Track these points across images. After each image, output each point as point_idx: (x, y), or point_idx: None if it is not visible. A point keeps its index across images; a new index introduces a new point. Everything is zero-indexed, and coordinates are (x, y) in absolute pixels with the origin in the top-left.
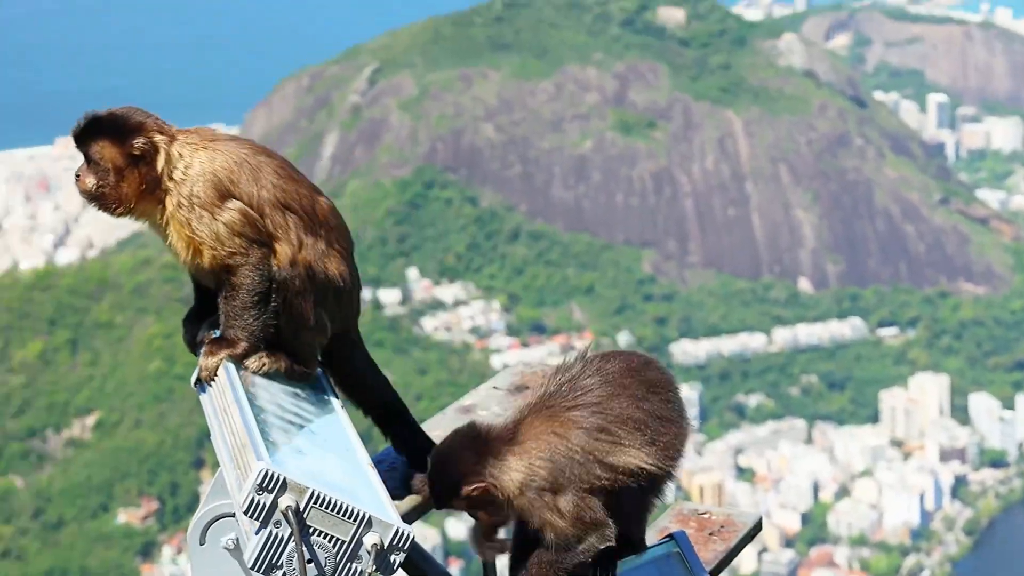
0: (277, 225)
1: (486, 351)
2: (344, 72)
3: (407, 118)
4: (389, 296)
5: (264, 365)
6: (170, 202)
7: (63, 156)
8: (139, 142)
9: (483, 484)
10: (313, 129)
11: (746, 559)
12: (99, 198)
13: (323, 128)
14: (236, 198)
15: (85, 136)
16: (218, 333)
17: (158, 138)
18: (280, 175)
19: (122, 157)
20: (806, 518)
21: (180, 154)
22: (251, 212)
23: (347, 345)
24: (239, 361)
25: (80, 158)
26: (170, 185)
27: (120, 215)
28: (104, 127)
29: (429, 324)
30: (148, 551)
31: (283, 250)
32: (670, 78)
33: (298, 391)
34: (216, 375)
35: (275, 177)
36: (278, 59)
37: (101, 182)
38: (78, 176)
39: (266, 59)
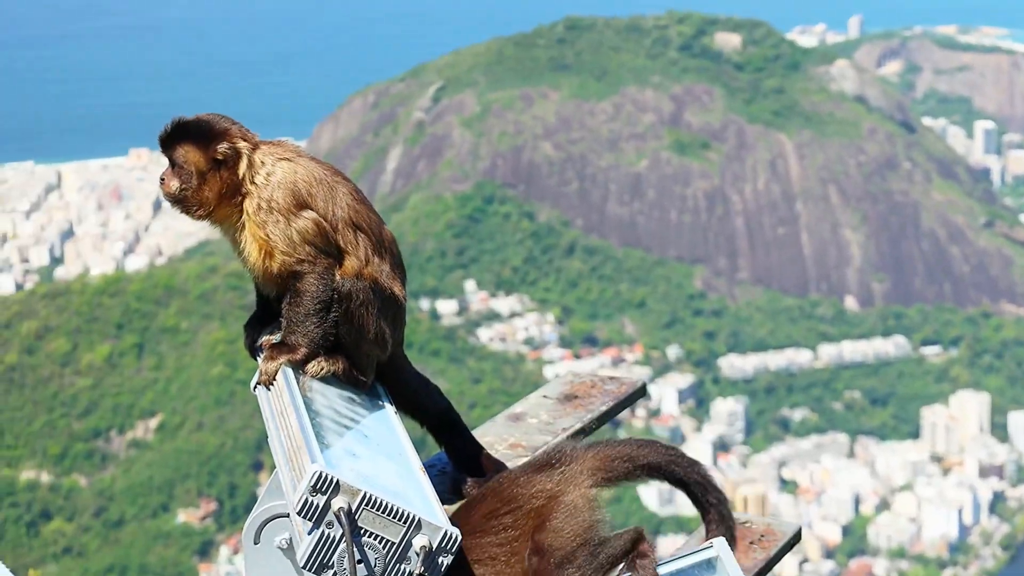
0: (348, 241)
1: (539, 362)
2: (409, 89)
3: (469, 135)
4: (446, 307)
5: (323, 369)
6: (249, 205)
7: (135, 167)
8: (223, 147)
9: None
10: (378, 144)
11: (787, 569)
12: (182, 201)
13: (387, 143)
14: (312, 209)
15: (171, 140)
16: (279, 338)
17: (241, 144)
18: (354, 198)
19: (206, 161)
20: (847, 530)
21: (263, 161)
22: (324, 223)
23: (397, 367)
24: (298, 366)
25: (163, 163)
26: (251, 189)
27: (200, 218)
28: (190, 132)
29: (484, 335)
30: (206, 550)
31: (351, 263)
32: (725, 101)
33: (353, 396)
34: (275, 379)
35: (349, 199)
36: (346, 76)
37: (184, 185)
38: (163, 179)
39: (334, 76)
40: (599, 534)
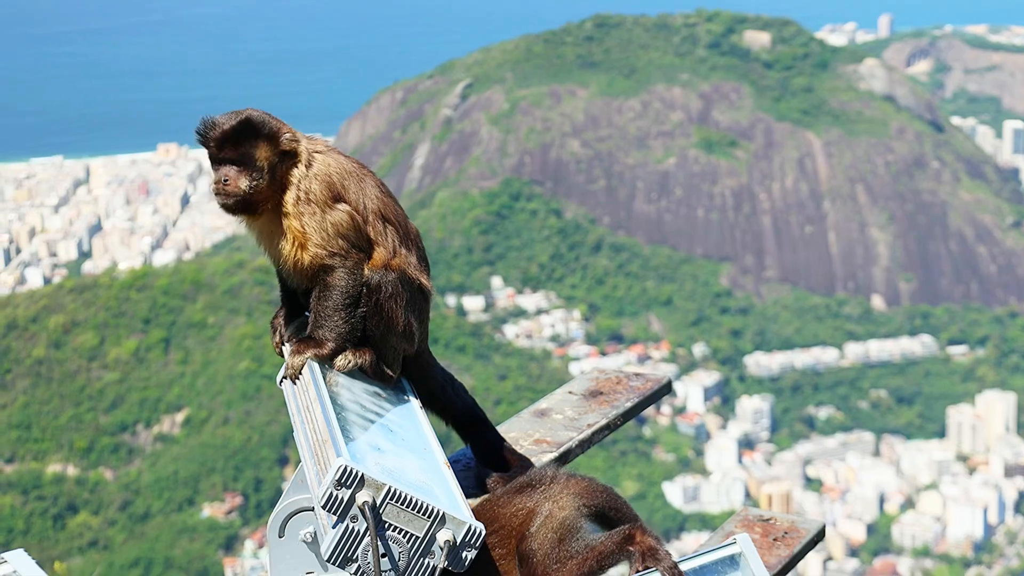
0: (377, 232)
1: (565, 358)
2: (437, 86)
3: (496, 132)
4: (473, 303)
5: (350, 362)
6: (289, 197)
7: (164, 162)
8: (286, 137)
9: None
10: (405, 140)
11: (811, 567)
12: (247, 200)
13: (415, 139)
14: (345, 202)
15: (238, 137)
16: (306, 333)
17: (299, 137)
18: (381, 191)
19: (274, 156)
20: (871, 528)
21: (304, 154)
22: (357, 216)
23: (423, 362)
24: (324, 361)
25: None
26: (293, 181)
27: (255, 216)
28: (254, 127)
29: (511, 331)
30: (231, 544)
31: (379, 253)
32: (753, 99)
33: (379, 391)
34: (301, 373)
35: (377, 191)
36: (374, 73)
37: (254, 183)
38: (227, 180)
39: (363, 73)
40: (582, 534)
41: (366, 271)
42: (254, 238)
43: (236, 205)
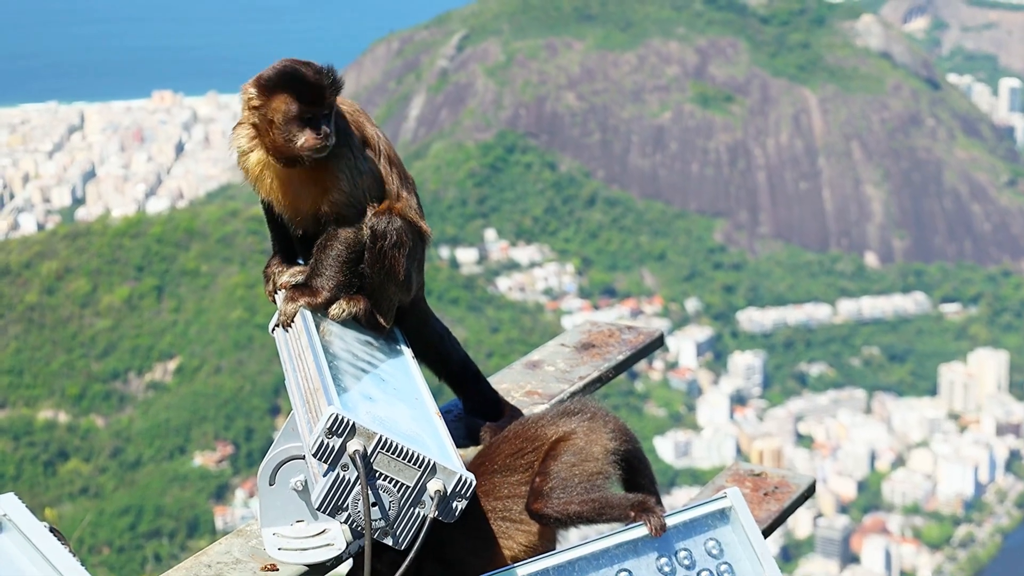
0: (387, 173)
1: (558, 312)
2: (433, 37)
3: (492, 84)
4: (466, 255)
5: (344, 311)
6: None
7: (159, 109)
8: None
9: None
10: (401, 91)
11: (801, 523)
12: (325, 150)
13: (411, 90)
14: (369, 147)
15: (335, 90)
16: (302, 279)
17: None
18: (385, 137)
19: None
20: (862, 486)
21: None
22: (377, 164)
23: (418, 312)
24: (318, 310)
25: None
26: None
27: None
28: (336, 79)
29: (504, 284)
30: (221, 493)
31: (389, 201)
32: (749, 54)
33: (371, 340)
34: (293, 321)
35: (381, 132)
36: (370, 23)
37: (334, 134)
38: (327, 133)
39: (358, 22)
40: (604, 483)
41: (370, 217)
42: (270, 185)
43: (318, 155)
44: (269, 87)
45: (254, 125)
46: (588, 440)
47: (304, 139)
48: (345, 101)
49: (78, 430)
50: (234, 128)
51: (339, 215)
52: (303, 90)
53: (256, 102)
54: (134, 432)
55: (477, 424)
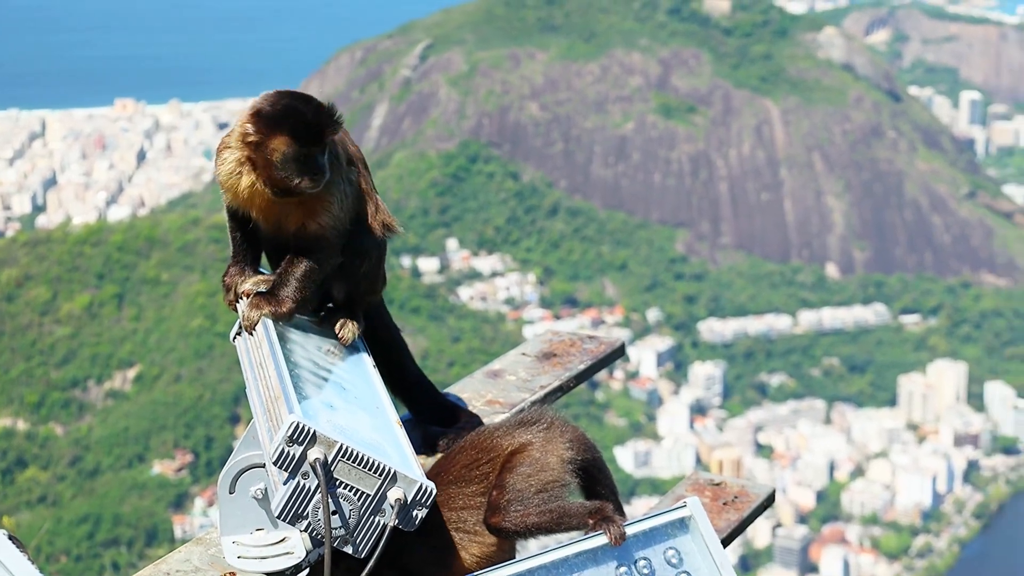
0: (367, 186)
1: (519, 322)
2: (397, 46)
3: (455, 93)
4: (428, 265)
5: (353, 334)
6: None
7: (120, 117)
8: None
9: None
10: (364, 100)
11: (760, 533)
12: (322, 184)
13: (374, 100)
14: (353, 164)
15: (335, 127)
16: (265, 288)
17: None
18: (356, 145)
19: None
20: (821, 496)
21: None
22: (361, 182)
23: (381, 310)
24: (281, 319)
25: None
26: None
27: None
28: (335, 116)
29: (465, 293)
30: (181, 502)
31: (369, 208)
32: (712, 65)
33: (332, 349)
34: (255, 329)
35: (350, 140)
36: (334, 31)
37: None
38: (322, 169)
39: (322, 31)
40: (561, 492)
41: (355, 235)
42: (259, 206)
43: (311, 191)
44: (268, 125)
45: (248, 157)
46: (544, 451)
47: (302, 180)
48: None
49: (37, 438)
50: (221, 149)
51: (321, 236)
52: (303, 132)
53: (253, 138)
54: (93, 440)
55: (434, 432)
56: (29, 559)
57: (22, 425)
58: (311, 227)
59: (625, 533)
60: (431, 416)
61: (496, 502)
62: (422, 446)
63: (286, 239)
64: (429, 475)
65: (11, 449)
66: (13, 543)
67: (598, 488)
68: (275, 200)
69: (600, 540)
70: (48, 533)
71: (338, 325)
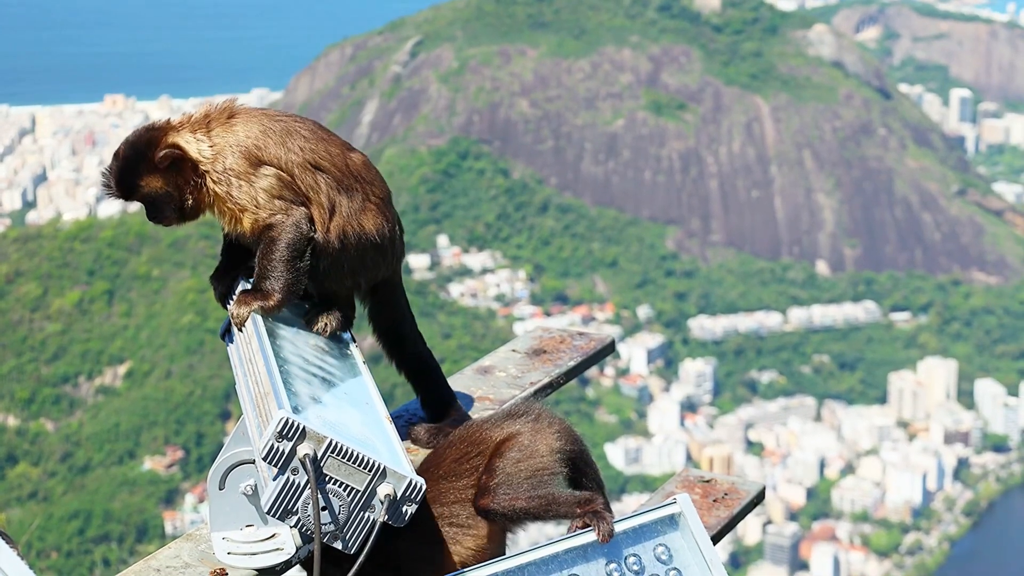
0: (308, 186)
1: (510, 318)
2: (387, 43)
3: (445, 90)
4: (418, 261)
5: (328, 327)
6: (209, 181)
7: (110, 113)
8: (161, 155)
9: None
10: (354, 96)
11: (751, 531)
12: (183, 219)
13: (364, 96)
14: (267, 164)
15: (125, 187)
16: (251, 285)
17: (173, 138)
18: (307, 137)
19: (163, 179)
20: (811, 493)
21: (200, 138)
22: (283, 174)
23: (390, 289)
24: (270, 313)
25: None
26: (205, 167)
27: (191, 220)
28: (129, 167)
29: (456, 290)
30: (171, 498)
31: (316, 214)
32: (702, 62)
33: (322, 345)
34: (244, 325)
35: (302, 140)
36: (324, 28)
37: (172, 209)
38: (155, 219)
39: (312, 28)
40: (551, 480)
41: (315, 232)
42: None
43: (177, 222)
44: None
45: None
46: (534, 439)
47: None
48: (248, 130)
49: (27, 434)
50: None
51: (267, 226)
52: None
53: None
54: (84, 436)
55: (418, 426)
56: (19, 555)
57: (12, 421)
58: (246, 227)
59: (614, 530)
60: (428, 404)
61: (486, 485)
62: (405, 438)
63: (250, 242)
64: (419, 471)
65: (2, 445)
66: (3, 539)
67: (585, 481)
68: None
69: (590, 536)
70: (39, 529)
71: (313, 319)
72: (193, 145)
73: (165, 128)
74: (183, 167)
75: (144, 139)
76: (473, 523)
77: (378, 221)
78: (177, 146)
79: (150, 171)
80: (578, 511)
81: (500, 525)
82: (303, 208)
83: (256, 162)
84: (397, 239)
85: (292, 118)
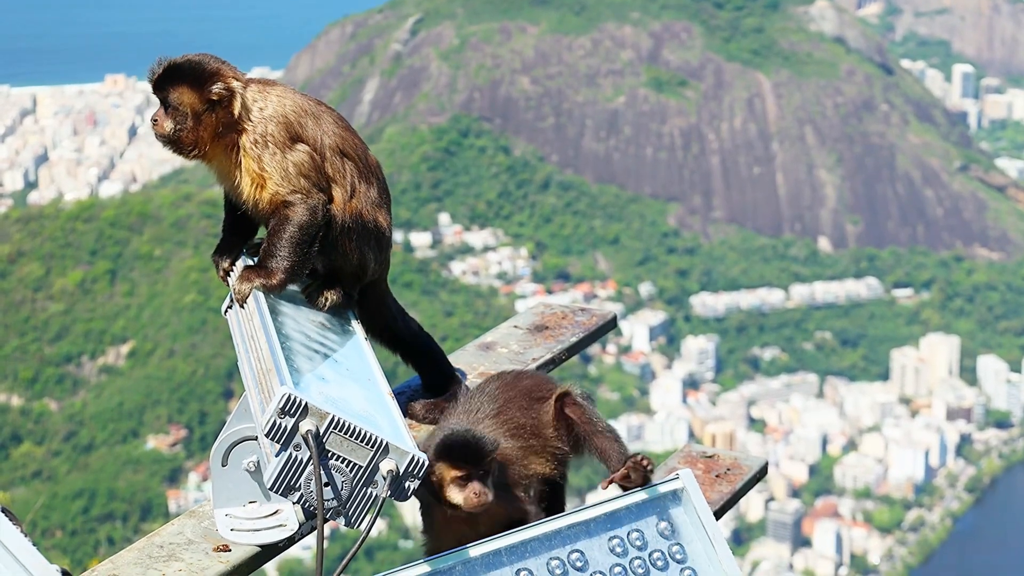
0: (335, 169)
1: (511, 296)
2: (387, 21)
3: (446, 67)
4: (420, 239)
5: (328, 301)
6: (246, 140)
7: (111, 93)
8: (217, 87)
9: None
10: (355, 75)
11: (753, 507)
12: (175, 142)
13: (364, 74)
14: (303, 141)
15: (163, 82)
16: (255, 261)
17: (234, 84)
18: (339, 125)
19: (200, 102)
20: (813, 470)
21: (255, 98)
22: (315, 155)
23: (379, 294)
24: (272, 291)
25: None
26: (247, 125)
27: (194, 158)
28: (183, 73)
29: (457, 268)
30: (175, 477)
31: (338, 193)
32: (703, 39)
33: (324, 322)
34: (246, 302)
35: (335, 126)
36: (324, 6)
37: (179, 126)
38: (155, 121)
39: (312, 6)
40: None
41: (330, 209)
42: (214, 177)
43: (166, 144)
44: None
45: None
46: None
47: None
48: (294, 103)
49: (31, 414)
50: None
51: (284, 202)
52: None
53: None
54: (87, 416)
55: (415, 401)
56: (24, 533)
57: (16, 401)
58: (264, 197)
59: (649, 482)
60: (429, 387)
61: (575, 400)
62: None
63: (261, 216)
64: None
65: (6, 425)
66: (8, 517)
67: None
68: (218, 169)
69: (592, 512)
70: (43, 508)
71: (314, 293)
72: (249, 100)
73: (236, 74)
74: (224, 111)
75: (213, 67)
76: (541, 450)
77: (387, 219)
78: (232, 94)
79: (197, 88)
80: (626, 465)
81: (563, 444)
82: (323, 195)
83: (295, 136)
84: (391, 244)
85: (324, 105)
